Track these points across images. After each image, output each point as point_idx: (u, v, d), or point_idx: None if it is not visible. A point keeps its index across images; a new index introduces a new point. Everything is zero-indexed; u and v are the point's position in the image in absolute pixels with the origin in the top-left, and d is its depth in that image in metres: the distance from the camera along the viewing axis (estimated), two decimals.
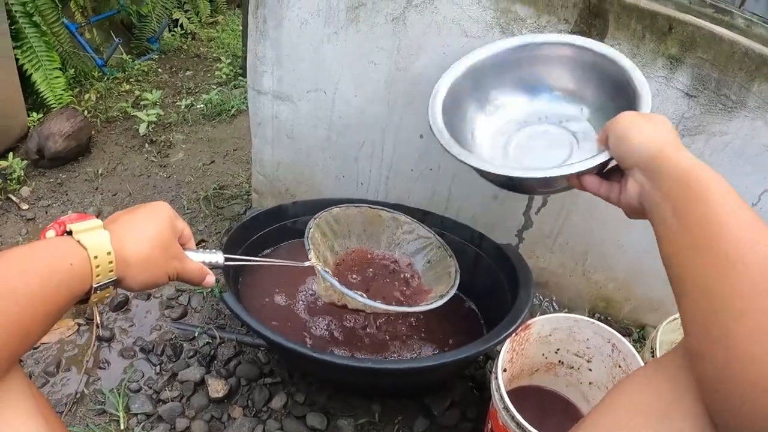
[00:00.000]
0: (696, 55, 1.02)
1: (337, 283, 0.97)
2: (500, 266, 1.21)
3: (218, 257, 0.84)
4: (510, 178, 0.90)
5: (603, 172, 0.84)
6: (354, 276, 1.19)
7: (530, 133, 1.05)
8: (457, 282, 1.08)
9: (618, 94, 0.93)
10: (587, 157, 0.82)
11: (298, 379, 1.24)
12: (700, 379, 0.52)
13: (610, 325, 1.03)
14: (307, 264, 1.00)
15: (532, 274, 1.14)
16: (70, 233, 0.63)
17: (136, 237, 0.68)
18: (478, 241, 1.26)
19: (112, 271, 0.64)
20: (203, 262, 0.81)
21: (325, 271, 1.00)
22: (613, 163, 0.80)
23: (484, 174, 0.95)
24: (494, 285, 1.21)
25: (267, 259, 1.00)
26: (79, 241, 0.62)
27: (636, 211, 0.71)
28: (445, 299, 1.04)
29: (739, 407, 0.47)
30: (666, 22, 1.01)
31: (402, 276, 1.21)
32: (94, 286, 0.63)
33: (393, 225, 1.22)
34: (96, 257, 0.62)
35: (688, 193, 0.58)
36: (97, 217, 0.72)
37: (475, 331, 1.24)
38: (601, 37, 1.05)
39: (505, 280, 1.18)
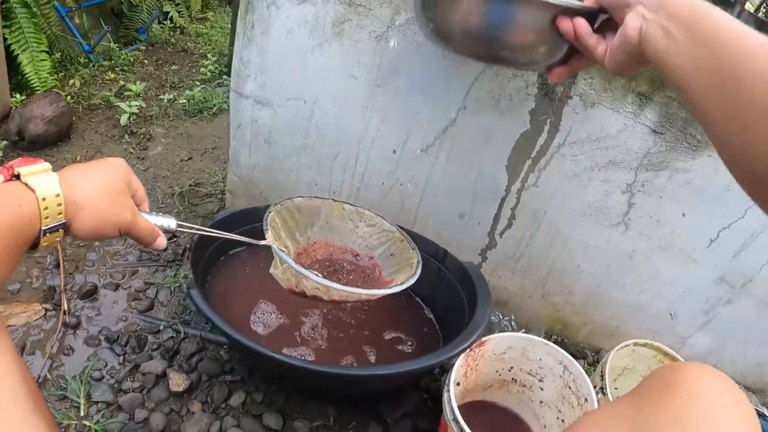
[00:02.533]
0: (665, 94, 1.06)
1: (292, 262, 0.96)
2: (461, 283, 1.23)
3: (171, 222, 0.82)
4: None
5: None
6: (315, 266, 1.20)
7: None
8: (419, 272, 1.07)
9: None
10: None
11: (258, 378, 1.26)
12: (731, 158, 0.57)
13: (566, 348, 1.04)
14: (262, 243, 0.99)
15: (492, 293, 1.17)
16: (18, 177, 0.63)
17: (88, 183, 0.68)
18: (442, 257, 1.28)
19: (61, 213, 0.64)
20: (156, 225, 0.80)
21: (281, 249, 0.98)
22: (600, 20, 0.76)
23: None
24: (454, 301, 1.23)
25: (221, 232, 0.97)
26: (26, 184, 0.62)
27: (631, 55, 0.68)
28: (405, 285, 1.03)
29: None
30: None
31: (364, 268, 1.22)
32: (43, 228, 0.63)
33: (356, 218, 1.23)
34: (44, 199, 0.62)
35: (696, 10, 0.60)
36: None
37: (433, 342, 1.26)
38: None
39: (465, 297, 1.20)
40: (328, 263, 1.23)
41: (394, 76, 1.22)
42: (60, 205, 0.64)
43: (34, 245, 0.65)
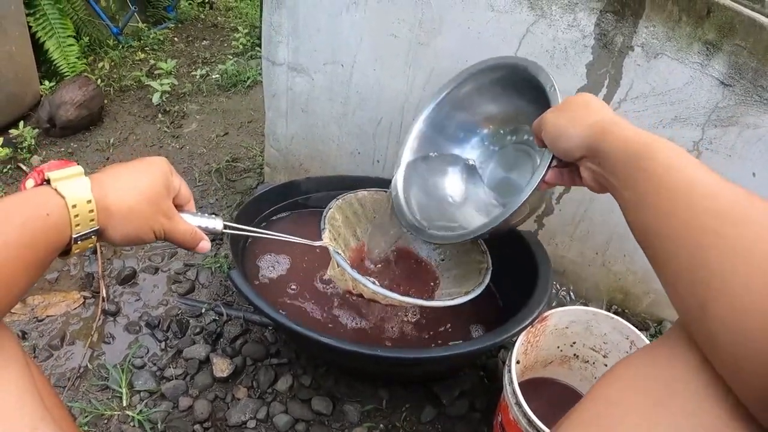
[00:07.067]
0: (734, 42, 0.97)
1: (348, 267, 0.92)
2: (520, 254, 1.16)
3: (216, 223, 0.77)
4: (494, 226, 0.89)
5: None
6: (378, 265, 1.15)
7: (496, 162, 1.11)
8: (486, 280, 1.02)
9: (535, 97, 0.91)
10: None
11: (305, 360, 1.22)
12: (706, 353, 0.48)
13: (627, 318, 1.00)
14: (318, 244, 0.95)
15: (551, 263, 1.10)
16: (48, 182, 0.60)
17: (123, 187, 0.65)
18: None
19: (93, 220, 0.61)
20: (200, 227, 0.75)
21: (337, 252, 0.94)
22: None
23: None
24: (513, 271, 1.15)
25: (273, 233, 0.91)
26: (56, 190, 0.59)
27: (600, 191, 0.69)
28: (468, 298, 0.97)
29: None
30: (704, 6, 0.96)
31: (428, 268, 1.16)
32: (74, 236, 0.60)
33: None
34: (75, 206, 0.59)
35: (637, 163, 0.57)
36: None
37: (493, 314, 1.20)
38: (635, 18, 1.00)
39: (525, 268, 1.13)
40: (389, 262, 1.16)
41: (438, 33, 1.14)
42: (92, 211, 0.61)
43: (66, 251, 0.62)
